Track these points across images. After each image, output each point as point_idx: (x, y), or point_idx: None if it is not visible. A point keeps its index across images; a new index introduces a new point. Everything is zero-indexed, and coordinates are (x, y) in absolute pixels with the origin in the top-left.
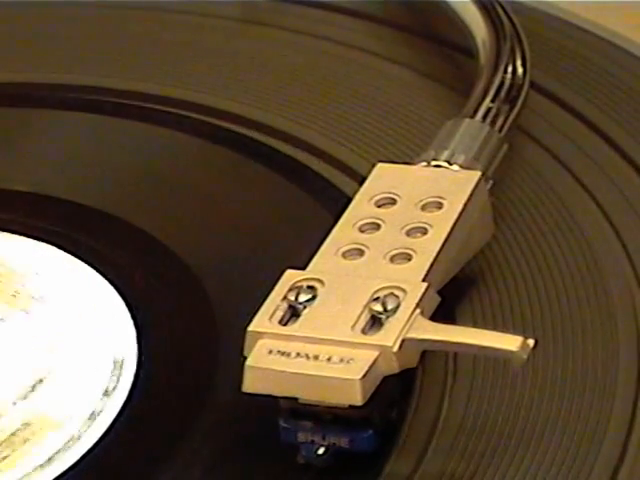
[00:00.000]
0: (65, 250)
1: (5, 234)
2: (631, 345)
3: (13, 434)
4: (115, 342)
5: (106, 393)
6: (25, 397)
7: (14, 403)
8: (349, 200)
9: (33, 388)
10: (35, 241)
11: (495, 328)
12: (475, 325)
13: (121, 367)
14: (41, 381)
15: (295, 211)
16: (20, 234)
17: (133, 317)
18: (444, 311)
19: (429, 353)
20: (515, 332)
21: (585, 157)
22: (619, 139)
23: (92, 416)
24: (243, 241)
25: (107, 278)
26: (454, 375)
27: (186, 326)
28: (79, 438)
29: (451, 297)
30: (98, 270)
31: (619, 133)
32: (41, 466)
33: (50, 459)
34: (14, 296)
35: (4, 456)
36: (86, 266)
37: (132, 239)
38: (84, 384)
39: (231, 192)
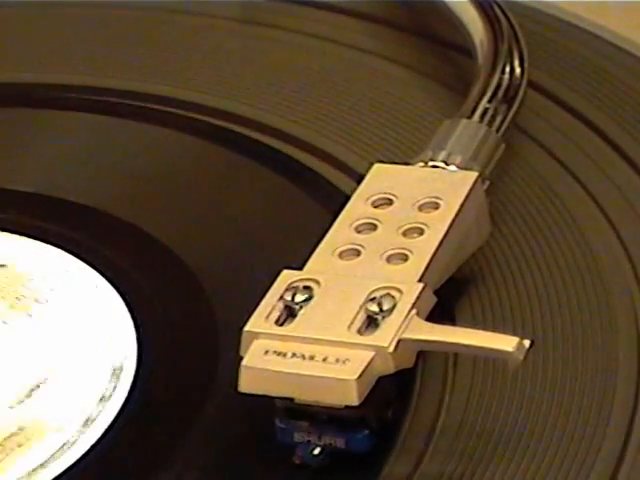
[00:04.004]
0: (66, 250)
1: (6, 234)
2: (631, 345)
3: (7, 438)
4: (115, 342)
5: (102, 399)
6: (21, 402)
7: (11, 407)
8: (347, 199)
9: (30, 393)
10: (36, 241)
11: (495, 328)
12: (474, 324)
13: (120, 369)
14: (38, 386)
15: (294, 211)
16: (21, 234)
17: (132, 317)
18: (444, 311)
19: (429, 353)
20: (515, 332)
21: (585, 157)
22: (619, 139)
23: (87, 422)
24: (243, 240)
25: (107, 278)
26: (454, 376)
27: (185, 325)
28: (74, 443)
29: (450, 297)
30: (98, 270)
31: (619, 133)
32: (34, 470)
33: (44, 463)
34: (17, 298)
35: None
36: (86, 266)
37: (131, 238)
38: (82, 383)
39: (230, 192)
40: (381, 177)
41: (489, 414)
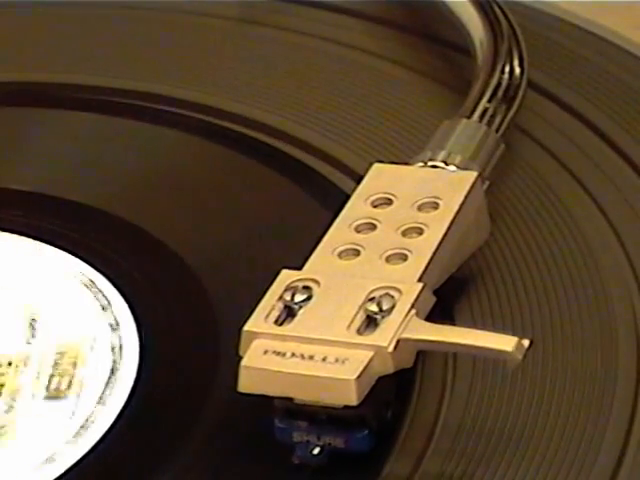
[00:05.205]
0: (65, 249)
1: (6, 233)
2: (630, 344)
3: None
4: (115, 342)
5: (103, 399)
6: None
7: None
8: (347, 199)
9: None
10: (35, 240)
11: (494, 328)
12: (474, 324)
13: (121, 369)
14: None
15: (294, 210)
16: (21, 234)
17: (134, 316)
18: (443, 310)
19: (429, 353)
20: (514, 332)
21: (585, 157)
22: (619, 139)
23: (87, 423)
24: (243, 240)
25: (108, 277)
26: (454, 376)
27: (186, 325)
28: (75, 443)
29: (450, 296)
30: (99, 270)
31: (619, 133)
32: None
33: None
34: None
35: None
36: (86, 265)
37: (131, 238)
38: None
39: (231, 191)
40: (380, 177)
41: (489, 414)
